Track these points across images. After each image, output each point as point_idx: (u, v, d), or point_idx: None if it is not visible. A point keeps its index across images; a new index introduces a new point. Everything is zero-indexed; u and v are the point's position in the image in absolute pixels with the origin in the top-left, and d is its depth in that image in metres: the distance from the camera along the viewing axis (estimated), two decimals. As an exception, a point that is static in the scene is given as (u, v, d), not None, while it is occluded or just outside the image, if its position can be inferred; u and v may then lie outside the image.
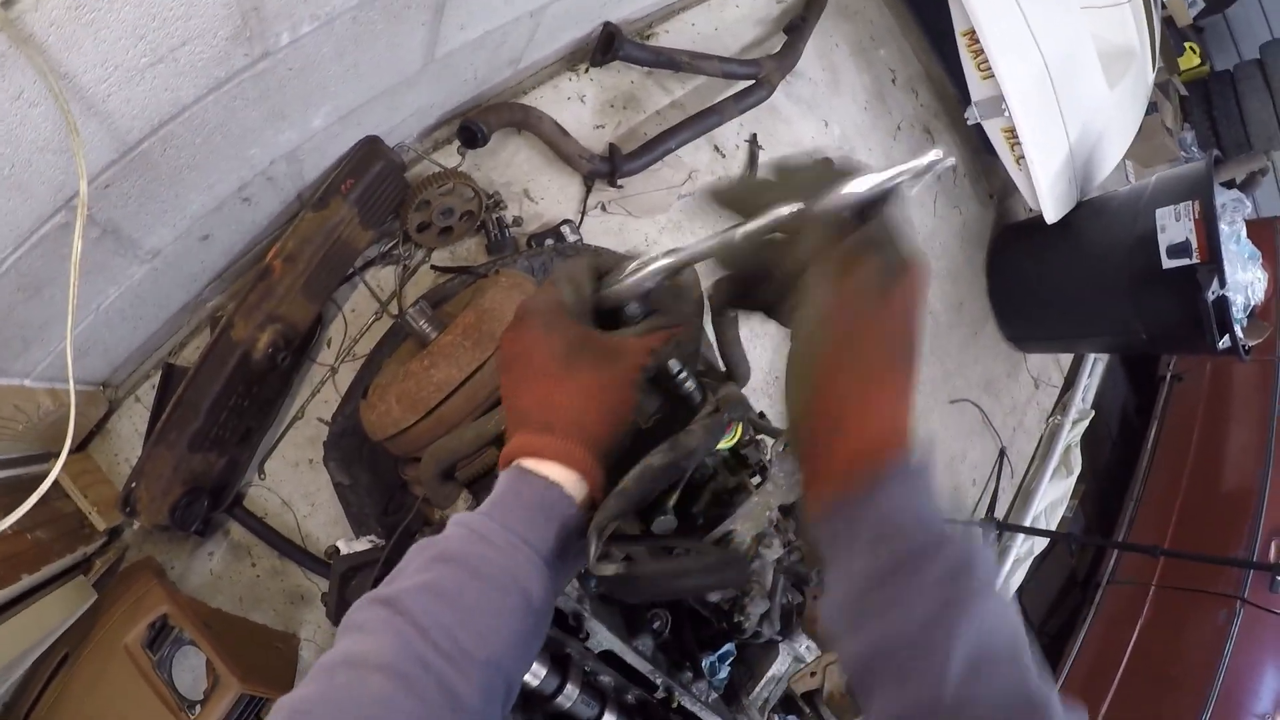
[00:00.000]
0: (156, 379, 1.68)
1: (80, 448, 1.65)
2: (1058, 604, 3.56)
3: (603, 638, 0.98)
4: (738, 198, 0.65)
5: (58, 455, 1.57)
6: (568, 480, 0.59)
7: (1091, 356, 3.72)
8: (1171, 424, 3.64)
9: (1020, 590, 3.28)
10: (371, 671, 0.47)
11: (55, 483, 1.53)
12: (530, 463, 0.59)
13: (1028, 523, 3.27)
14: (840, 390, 0.53)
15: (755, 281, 0.66)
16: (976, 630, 0.46)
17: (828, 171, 0.61)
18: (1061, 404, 3.62)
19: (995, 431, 3.28)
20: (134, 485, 1.49)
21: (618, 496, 0.67)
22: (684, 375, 0.92)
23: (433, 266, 1.87)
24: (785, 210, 0.60)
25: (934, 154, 0.60)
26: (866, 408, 0.52)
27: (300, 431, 1.78)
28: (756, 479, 0.98)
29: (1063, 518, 3.46)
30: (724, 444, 0.90)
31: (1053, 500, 3.39)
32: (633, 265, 0.69)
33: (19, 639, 1.27)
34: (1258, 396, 3.40)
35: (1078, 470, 3.43)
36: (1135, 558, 3.24)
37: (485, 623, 0.52)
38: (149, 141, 1.16)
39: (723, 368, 1.05)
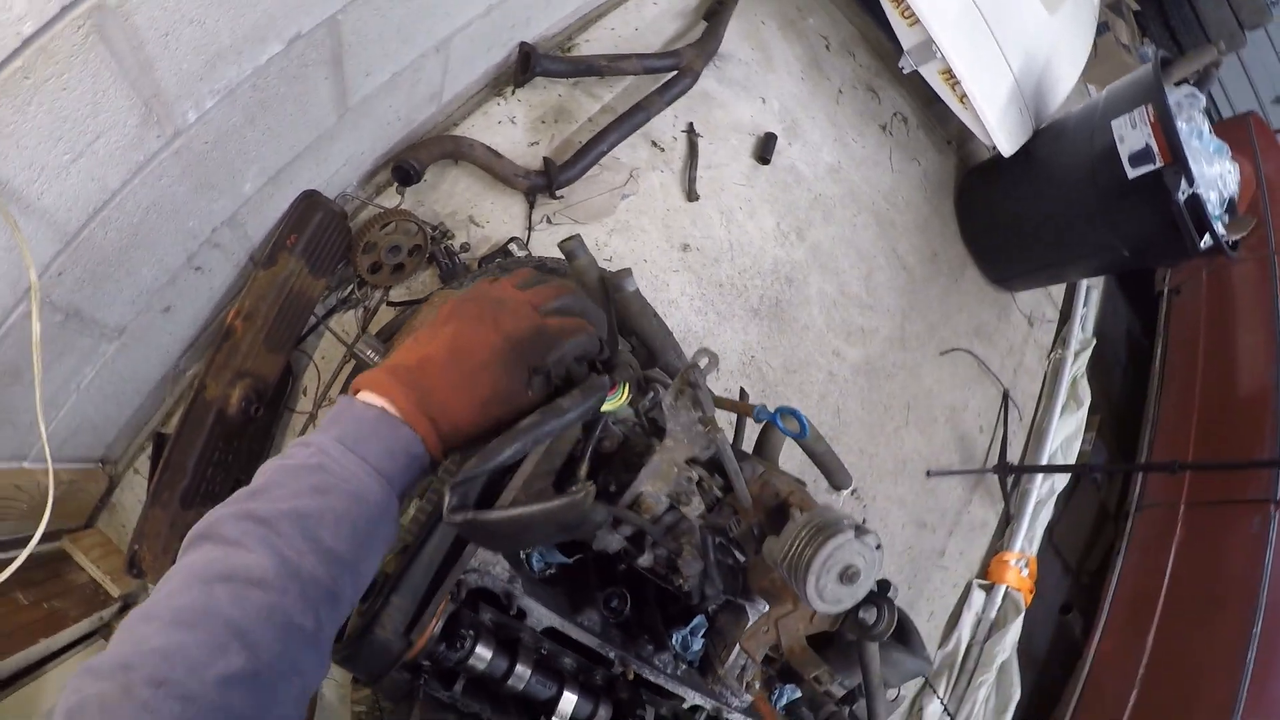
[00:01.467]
0: (150, 450, 1.79)
1: (89, 524, 1.76)
2: (1093, 540, 3.50)
3: (540, 615, 1.03)
4: None
5: (68, 531, 1.70)
6: (393, 412, 0.66)
7: (1085, 284, 3.67)
8: (1176, 339, 3.57)
9: (1051, 533, 3.24)
10: (253, 587, 0.52)
11: (67, 557, 1.66)
12: (374, 399, 0.66)
13: (1044, 461, 3.23)
14: None
15: None
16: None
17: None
18: (1061, 337, 3.57)
19: (994, 376, 3.26)
20: (136, 547, 1.59)
21: (480, 455, 0.73)
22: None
23: (389, 304, 1.95)
24: None
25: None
26: None
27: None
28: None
29: (1081, 451, 3.40)
30: (612, 405, 0.93)
31: (1067, 435, 3.35)
32: None
33: (43, 700, 1.37)
34: (1259, 294, 3.32)
35: (1088, 401, 3.37)
36: (1162, 480, 3.18)
37: (346, 532, 0.58)
38: (89, 228, 1.25)
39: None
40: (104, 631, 1.64)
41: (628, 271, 1.18)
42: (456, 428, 0.69)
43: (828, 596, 1.06)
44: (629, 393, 0.95)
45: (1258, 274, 3.34)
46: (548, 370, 0.76)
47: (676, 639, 1.27)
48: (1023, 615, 2.93)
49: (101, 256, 1.33)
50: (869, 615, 1.01)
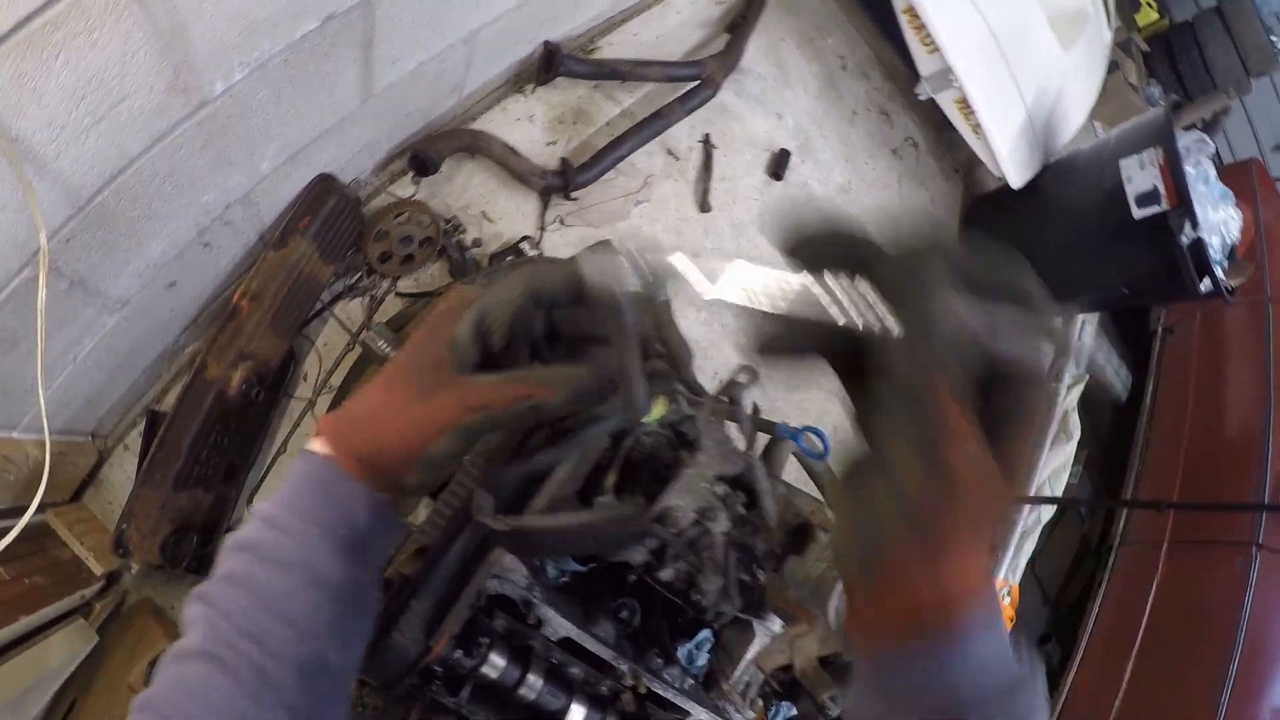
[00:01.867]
0: (142, 426, 1.74)
1: (75, 497, 1.71)
2: (1074, 571, 3.53)
3: (557, 625, 1.00)
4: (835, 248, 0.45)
5: (53, 504, 1.64)
6: (330, 455, 0.59)
7: (1080, 319, 3.71)
8: (1167, 377, 3.61)
9: (1033, 560, 3.25)
10: (191, 660, 0.50)
11: (51, 532, 1.61)
12: (316, 443, 0.60)
13: (1031, 493, 3.25)
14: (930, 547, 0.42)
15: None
16: None
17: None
18: (1054, 370, 3.60)
19: None
20: (124, 526, 1.54)
21: (516, 457, 0.70)
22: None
23: (398, 294, 1.92)
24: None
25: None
26: (959, 561, 0.42)
27: (285, 465, 1.83)
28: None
29: (1068, 484, 3.42)
30: (650, 416, 0.92)
31: (1055, 467, 3.36)
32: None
33: (21, 678, 1.32)
34: (1250, 339, 3.37)
35: (1078, 435, 3.39)
36: (1146, 517, 3.21)
37: (279, 603, 0.54)
38: (103, 195, 1.22)
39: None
40: (84, 610, 1.59)
41: (660, 283, 1.17)
42: (349, 428, 0.60)
43: (847, 618, 1.04)
44: (667, 405, 0.94)
45: (1250, 319, 3.39)
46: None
47: (682, 652, 1.26)
48: (1002, 644, 2.92)
49: (112, 225, 1.29)
50: None
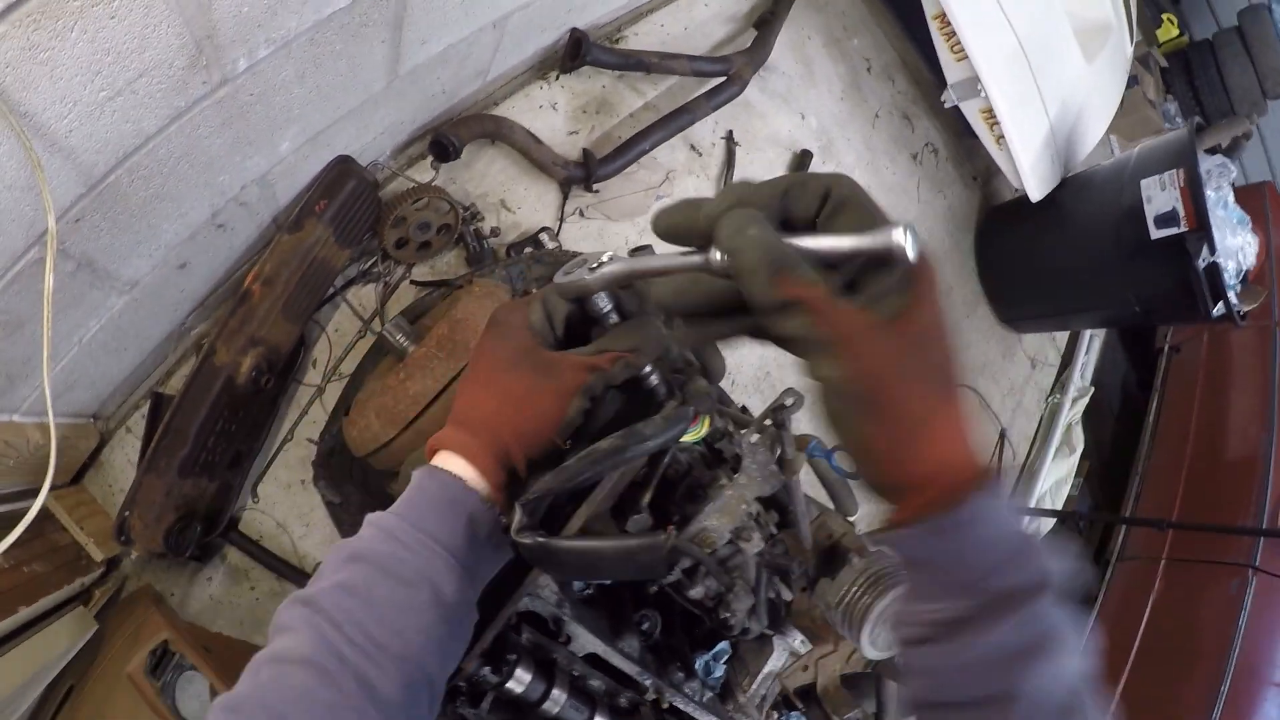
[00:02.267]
0: (146, 409, 1.69)
1: (74, 480, 1.66)
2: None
3: (585, 641, 0.98)
4: (686, 226, 0.54)
5: (53, 487, 1.59)
6: (470, 475, 0.61)
7: (1088, 333, 3.71)
8: (1172, 396, 3.62)
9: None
10: (293, 666, 0.49)
11: (51, 516, 1.56)
12: (440, 458, 0.62)
13: (1032, 503, 3.26)
14: (895, 433, 0.47)
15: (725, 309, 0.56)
16: (1037, 689, 0.46)
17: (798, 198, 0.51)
18: (1060, 382, 3.60)
19: (994, 414, 3.27)
20: (127, 513, 1.50)
21: (555, 474, 0.68)
22: (649, 372, 0.92)
23: (412, 282, 1.88)
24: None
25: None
26: (929, 438, 0.47)
27: (291, 453, 1.79)
28: (733, 472, 0.98)
29: (1069, 496, 3.44)
30: (691, 436, 0.90)
31: (1057, 479, 3.38)
32: (575, 267, 0.70)
33: (20, 670, 1.28)
34: (1257, 362, 3.38)
35: (1081, 448, 3.41)
36: (1144, 533, 3.22)
37: (396, 617, 0.53)
38: (116, 173, 1.17)
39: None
40: (83, 597, 1.55)
41: None
42: (485, 426, 0.64)
43: (879, 644, 1.03)
44: (709, 425, 0.92)
45: (1258, 342, 3.39)
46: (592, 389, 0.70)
47: (699, 663, 1.24)
48: (998, 654, 2.94)
49: (124, 205, 1.24)
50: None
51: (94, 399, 1.63)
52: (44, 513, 1.54)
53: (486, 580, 0.65)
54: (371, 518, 0.60)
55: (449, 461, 0.62)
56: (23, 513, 1.48)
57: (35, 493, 1.52)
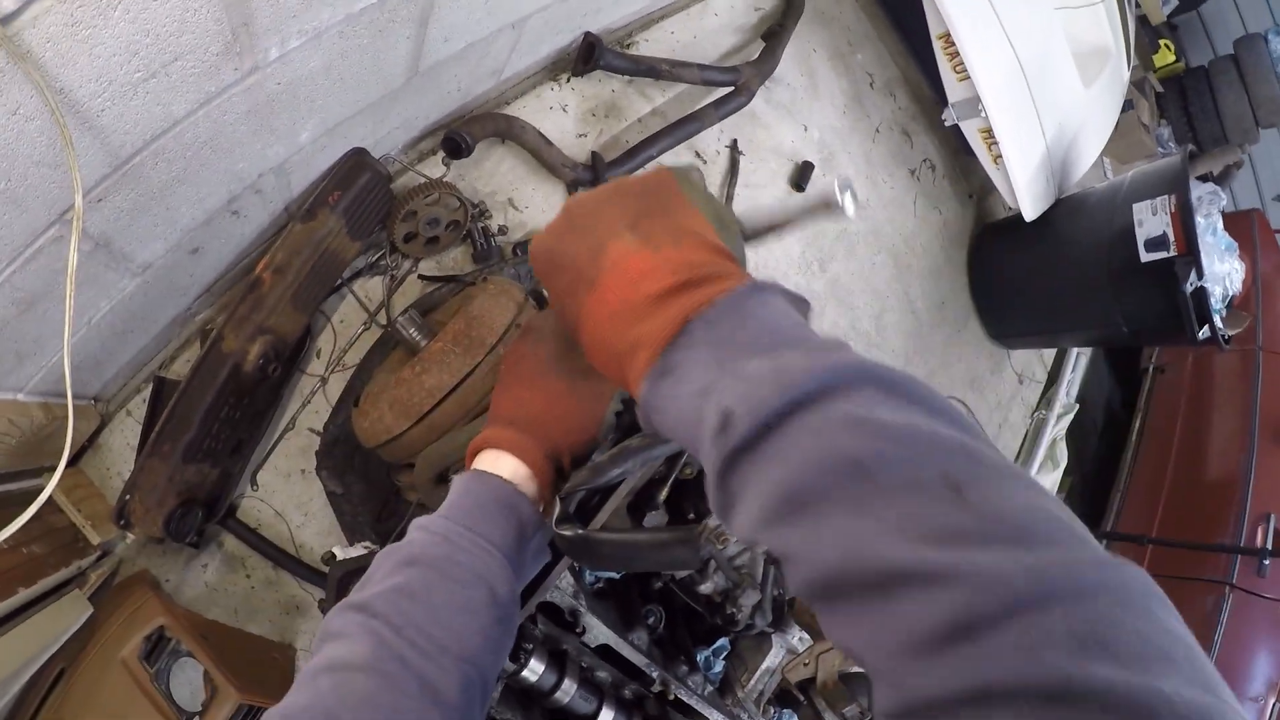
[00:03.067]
0: (147, 392, 1.69)
1: (72, 462, 1.65)
2: (1050, 597, 3.59)
3: (599, 632, 1.00)
4: None
5: (52, 469, 1.58)
6: (519, 476, 0.63)
7: (1074, 351, 3.77)
8: (1155, 415, 3.70)
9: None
10: (354, 673, 0.49)
11: (49, 497, 1.55)
12: (488, 460, 0.63)
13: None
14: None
15: None
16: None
17: None
18: (1046, 398, 3.67)
19: (980, 427, 3.31)
20: (128, 497, 1.49)
21: (590, 469, 0.71)
22: None
23: (420, 276, 1.89)
24: None
25: None
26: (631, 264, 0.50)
27: (292, 442, 1.79)
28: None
29: (1051, 511, 3.49)
30: None
31: (1041, 494, 3.42)
32: None
33: (15, 653, 1.27)
34: (1239, 384, 3.46)
35: (1064, 463, 3.47)
36: (1126, 550, 3.28)
37: (455, 619, 0.54)
38: (141, 155, 1.17)
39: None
40: (79, 580, 1.54)
41: None
42: (534, 425, 0.67)
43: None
44: None
45: (1241, 365, 3.47)
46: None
47: (700, 658, 1.27)
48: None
49: (146, 187, 1.25)
50: None
51: (96, 380, 1.62)
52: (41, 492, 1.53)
53: (527, 581, 0.66)
54: (420, 522, 0.61)
55: (497, 462, 0.63)
56: (22, 492, 1.49)
57: (35, 473, 1.53)
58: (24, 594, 1.31)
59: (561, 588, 0.94)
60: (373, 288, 1.88)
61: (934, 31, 2.52)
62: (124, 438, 1.71)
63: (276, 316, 1.60)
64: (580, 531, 0.71)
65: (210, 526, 1.69)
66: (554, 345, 0.69)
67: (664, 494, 0.96)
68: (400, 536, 0.61)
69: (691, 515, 0.97)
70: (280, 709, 0.48)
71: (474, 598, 0.56)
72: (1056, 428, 3.54)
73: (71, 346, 1.42)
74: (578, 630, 0.97)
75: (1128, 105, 3.61)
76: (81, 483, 1.64)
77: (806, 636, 1.25)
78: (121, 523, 1.50)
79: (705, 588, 1.04)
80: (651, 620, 1.16)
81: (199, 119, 1.20)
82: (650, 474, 0.96)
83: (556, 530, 0.70)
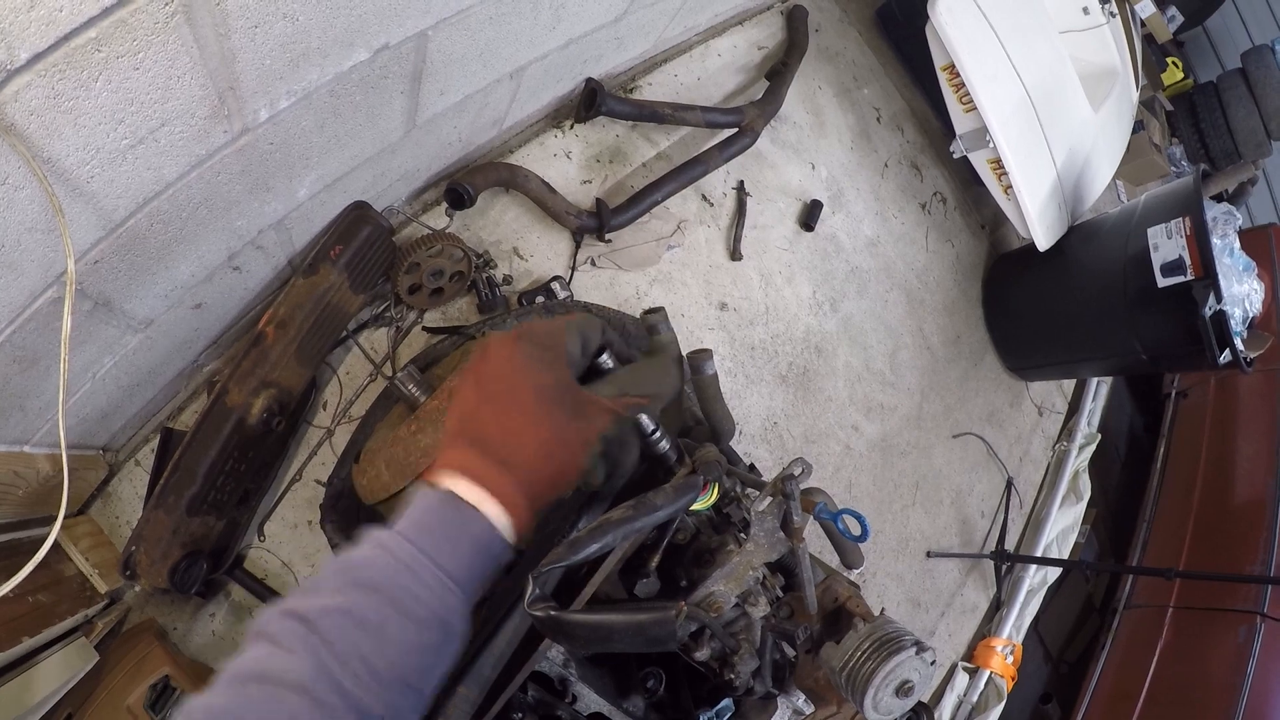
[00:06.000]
0: (155, 443, 1.71)
1: (81, 511, 1.67)
2: (1076, 631, 3.49)
3: (590, 700, 0.97)
4: None
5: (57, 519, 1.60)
6: (502, 522, 0.59)
7: (1094, 380, 3.70)
8: (1179, 441, 3.59)
9: (1037, 620, 3.23)
10: (287, 691, 0.47)
11: (57, 546, 1.57)
12: (466, 490, 0.59)
13: (1039, 552, 3.22)
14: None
15: None
16: None
17: None
18: (1067, 430, 3.58)
19: (1001, 463, 3.25)
20: (134, 549, 1.50)
21: (568, 546, 0.69)
22: (658, 435, 0.93)
23: (424, 328, 1.90)
24: None
25: None
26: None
27: (298, 494, 1.80)
28: (741, 537, 0.98)
29: (1075, 544, 3.40)
30: (701, 505, 0.90)
31: (1064, 527, 3.34)
32: None
33: (20, 701, 1.28)
34: (1264, 406, 3.36)
35: (1088, 495, 3.38)
36: (1151, 580, 3.18)
37: (406, 658, 0.52)
38: (136, 218, 1.19)
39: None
40: (85, 628, 1.54)
41: (708, 354, 1.15)
42: (528, 470, 0.62)
43: (882, 708, 1.02)
44: (717, 493, 0.93)
45: (1265, 386, 3.38)
46: (607, 449, 0.72)
47: (703, 720, 1.23)
48: (1004, 702, 2.90)
49: (142, 248, 1.27)
50: None
51: (104, 431, 1.64)
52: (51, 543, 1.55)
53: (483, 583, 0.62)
54: (380, 537, 0.57)
55: (481, 501, 0.58)
56: (30, 541, 1.51)
57: (41, 522, 1.55)
58: (29, 642, 1.32)
59: (551, 656, 0.92)
60: (378, 339, 1.90)
61: (938, 63, 2.51)
62: (133, 487, 1.73)
63: (280, 370, 1.61)
64: (552, 613, 0.69)
65: (217, 577, 1.70)
66: (557, 374, 0.65)
67: (656, 560, 0.95)
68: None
69: (684, 583, 0.95)
70: (204, 705, 0.46)
71: (430, 641, 0.53)
72: (1079, 459, 3.45)
73: (75, 400, 1.46)
74: (567, 699, 0.95)
75: (1138, 126, 3.56)
76: (90, 531, 1.66)
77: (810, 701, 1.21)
78: (127, 574, 1.51)
79: (701, 654, 1.01)
80: (651, 684, 1.13)
81: (192, 180, 1.22)
82: (641, 540, 0.94)
83: (528, 611, 0.69)
